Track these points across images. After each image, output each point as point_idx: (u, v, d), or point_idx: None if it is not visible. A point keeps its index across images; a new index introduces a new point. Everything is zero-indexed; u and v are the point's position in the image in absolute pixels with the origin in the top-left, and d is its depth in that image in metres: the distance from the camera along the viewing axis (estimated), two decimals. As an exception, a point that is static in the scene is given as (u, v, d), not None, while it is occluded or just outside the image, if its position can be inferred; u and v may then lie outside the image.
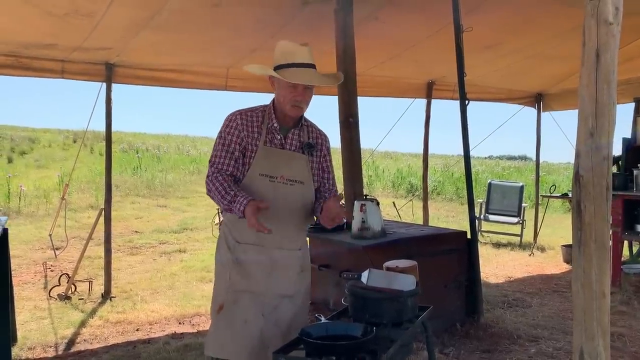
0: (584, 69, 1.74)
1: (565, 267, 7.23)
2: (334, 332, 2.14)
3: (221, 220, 2.64)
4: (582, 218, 1.74)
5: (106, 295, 5.71)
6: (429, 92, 7.64)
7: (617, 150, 6.93)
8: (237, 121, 2.50)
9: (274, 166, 2.47)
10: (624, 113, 9.10)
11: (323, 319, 2.31)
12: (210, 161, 2.52)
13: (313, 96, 2.53)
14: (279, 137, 2.52)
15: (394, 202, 10.16)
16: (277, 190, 2.46)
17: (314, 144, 2.58)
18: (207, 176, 2.49)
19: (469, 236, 4.80)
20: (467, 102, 4.78)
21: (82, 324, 4.90)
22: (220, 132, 2.53)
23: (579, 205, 1.74)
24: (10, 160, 17.56)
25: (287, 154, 2.51)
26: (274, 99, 2.57)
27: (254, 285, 2.47)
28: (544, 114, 8.71)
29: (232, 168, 2.48)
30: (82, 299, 5.64)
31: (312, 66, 2.46)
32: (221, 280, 2.53)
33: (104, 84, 5.62)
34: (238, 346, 2.42)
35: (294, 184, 2.50)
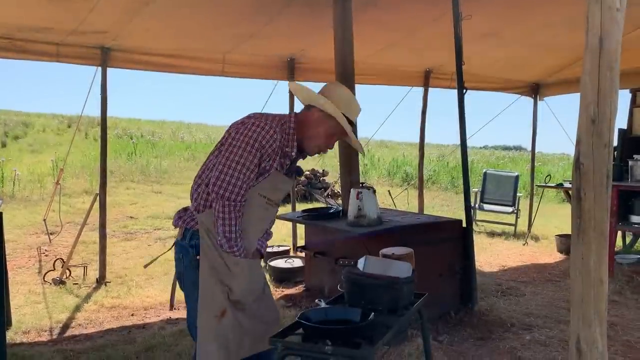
0: (587, 56, 1.73)
1: (559, 256, 7.28)
2: (332, 317, 2.15)
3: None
4: (582, 206, 1.74)
5: (101, 280, 5.71)
6: (426, 80, 7.61)
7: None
8: (277, 142, 2.30)
9: (273, 190, 2.39)
10: (619, 104, 9.10)
11: (323, 304, 2.31)
12: (233, 184, 2.23)
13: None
14: (288, 163, 2.43)
15: (389, 191, 10.18)
16: (267, 211, 2.43)
17: (300, 170, 2.57)
18: (233, 202, 2.21)
19: (464, 225, 4.81)
20: (464, 91, 4.77)
21: (77, 308, 4.91)
22: (251, 144, 2.24)
23: (579, 193, 1.74)
24: (4, 145, 17.42)
25: (286, 181, 2.45)
26: (296, 118, 2.40)
27: (257, 289, 2.45)
28: (540, 104, 8.72)
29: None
30: (77, 283, 5.64)
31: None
32: (216, 287, 2.32)
33: (99, 68, 5.57)
34: (252, 339, 2.38)
35: (276, 206, 2.47)
